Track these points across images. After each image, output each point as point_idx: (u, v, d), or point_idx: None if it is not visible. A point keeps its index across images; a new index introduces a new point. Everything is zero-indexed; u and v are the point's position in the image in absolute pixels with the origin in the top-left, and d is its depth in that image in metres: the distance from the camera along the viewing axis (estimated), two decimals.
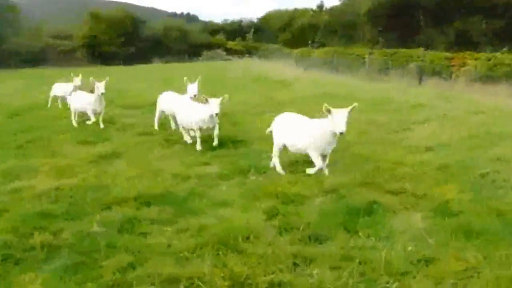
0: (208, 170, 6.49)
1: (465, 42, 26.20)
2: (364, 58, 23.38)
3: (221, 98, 7.24)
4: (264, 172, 6.26)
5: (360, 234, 4.16)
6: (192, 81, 8.70)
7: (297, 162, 6.59)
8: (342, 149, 6.94)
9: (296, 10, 55.40)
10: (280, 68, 26.64)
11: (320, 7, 52.26)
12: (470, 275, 3.44)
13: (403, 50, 23.38)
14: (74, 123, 9.87)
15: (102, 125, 9.48)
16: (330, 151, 5.84)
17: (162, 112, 9.31)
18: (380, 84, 17.96)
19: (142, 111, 11.85)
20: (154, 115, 9.55)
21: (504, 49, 19.37)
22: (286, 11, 56.96)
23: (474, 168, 6.08)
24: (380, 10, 32.30)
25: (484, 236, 4.01)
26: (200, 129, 7.53)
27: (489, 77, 15.97)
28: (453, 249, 3.80)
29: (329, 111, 5.44)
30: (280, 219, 4.57)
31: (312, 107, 11.42)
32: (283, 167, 6.32)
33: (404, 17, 31.31)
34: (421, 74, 18.31)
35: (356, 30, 38.75)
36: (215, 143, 7.60)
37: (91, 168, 6.57)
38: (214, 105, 7.15)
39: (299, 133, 6.00)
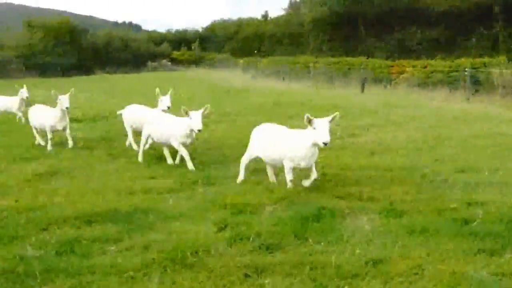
0: (154, 184, 6.29)
1: (403, 51, 27.56)
2: (308, 67, 23.91)
3: (202, 110, 6.55)
4: (213, 184, 6.15)
5: (310, 240, 4.17)
6: (164, 93, 8.22)
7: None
8: None
9: (241, 19, 55.74)
10: (228, 77, 26.69)
11: (265, 17, 53.03)
12: (415, 273, 3.53)
13: (347, 59, 24.16)
14: (41, 142, 8.86)
15: (71, 143, 8.46)
16: (311, 163, 5.49)
17: (131, 127, 8.52)
18: (326, 92, 18.43)
19: (84, 124, 11.39)
20: (98, 129, 9.15)
21: (438, 57, 20.49)
22: (231, 21, 57.15)
23: (416, 170, 6.32)
24: (324, 20, 33.25)
25: (427, 234, 4.16)
26: (182, 144, 6.90)
27: (426, 83, 16.78)
28: (399, 248, 3.90)
29: (310, 121, 5.11)
30: (231, 230, 4.49)
31: (264, 115, 11.50)
32: (233, 178, 6.24)
33: (347, 27, 32.45)
34: (364, 82, 18.94)
35: (301, 40, 39.61)
36: (177, 161, 7.14)
37: (27, 187, 6.15)
38: (197, 120, 6.42)
39: (280, 144, 5.63)
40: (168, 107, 8.06)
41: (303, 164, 5.45)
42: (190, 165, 6.87)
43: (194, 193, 5.85)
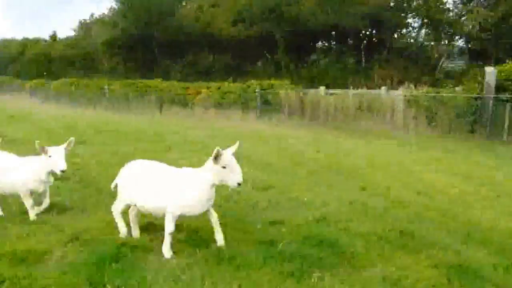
0: None
1: (198, 73, 28.76)
2: (103, 89, 22.89)
3: (64, 145, 5.12)
4: None
5: (109, 286, 3.61)
6: None
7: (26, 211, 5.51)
8: (83, 186, 6.21)
9: (26, 39, 50.23)
10: (13, 101, 23.89)
11: (53, 37, 48.76)
12: None
13: (142, 81, 23.89)
14: None
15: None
16: (207, 207, 4.34)
17: None
18: (124, 115, 17.84)
19: None
20: None
21: (229, 79, 21.93)
22: (14, 41, 51.16)
23: (219, 191, 6.25)
24: (117, 42, 32.47)
25: (236, 261, 3.97)
26: (32, 193, 5.24)
27: (221, 104, 17.70)
28: (209, 283, 3.62)
29: (216, 158, 4.03)
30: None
31: (54, 140, 10.20)
32: (15, 218, 5.16)
33: (141, 49, 32.36)
34: (162, 104, 18.95)
35: (95, 61, 37.84)
36: (37, 212, 5.31)
37: None
38: (59, 158, 5.02)
39: (165, 188, 4.37)
40: None
41: (197, 212, 4.27)
42: (30, 213, 5.33)
43: None
